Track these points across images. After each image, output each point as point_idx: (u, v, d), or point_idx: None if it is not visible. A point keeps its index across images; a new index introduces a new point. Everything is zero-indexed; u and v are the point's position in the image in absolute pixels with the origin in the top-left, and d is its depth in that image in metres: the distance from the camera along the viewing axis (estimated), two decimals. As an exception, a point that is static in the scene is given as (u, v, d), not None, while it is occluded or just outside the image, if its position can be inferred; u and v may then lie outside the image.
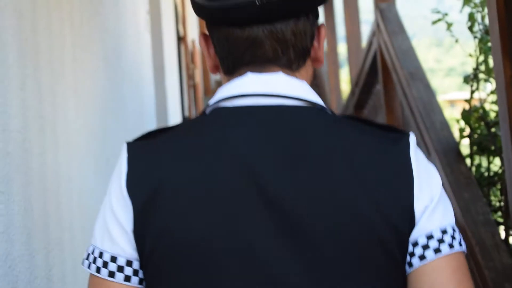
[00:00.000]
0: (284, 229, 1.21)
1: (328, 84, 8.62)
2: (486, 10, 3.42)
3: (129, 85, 3.75)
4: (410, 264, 1.26)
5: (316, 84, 2.10)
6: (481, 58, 3.41)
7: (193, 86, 9.63)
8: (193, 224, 1.22)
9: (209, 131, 1.28)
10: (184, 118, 6.86)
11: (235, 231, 1.21)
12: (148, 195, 1.24)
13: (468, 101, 3.46)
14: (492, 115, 3.41)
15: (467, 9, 3.55)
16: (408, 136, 1.31)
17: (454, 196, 3.17)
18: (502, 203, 3.27)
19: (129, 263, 1.27)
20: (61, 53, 2.52)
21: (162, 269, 1.24)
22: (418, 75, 4.14)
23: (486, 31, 3.35)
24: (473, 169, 3.46)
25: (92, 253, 1.29)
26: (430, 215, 1.26)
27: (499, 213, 3.29)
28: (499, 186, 3.36)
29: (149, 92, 4.46)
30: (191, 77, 9.28)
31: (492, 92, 3.45)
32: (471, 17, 3.50)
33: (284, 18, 1.30)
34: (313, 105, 1.31)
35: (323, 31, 1.40)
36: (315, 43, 1.40)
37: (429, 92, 3.95)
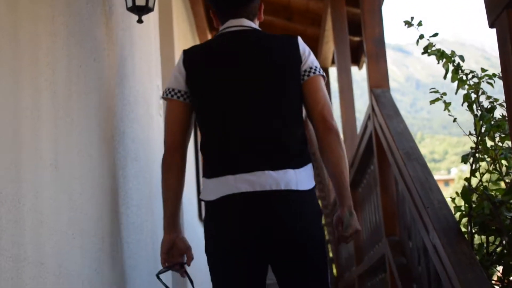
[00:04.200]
0: (247, 75, 2.55)
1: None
2: (480, 92, 2.90)
3: (133, 163, 3.22)
4: (303, 79, 2.59)
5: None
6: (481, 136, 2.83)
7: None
8: (205, 77, 2.58)
9: (216, 40, 2.66)
10: (199, 192, 6.36)
11: (225, 81, 2.55)
12: (190, 67, 2.60)
13: (468, 179, 2.84)
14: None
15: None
16: (297, 36, 2.66)
17: (457, 278, 2.57)
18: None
19: (182, 92, 2.61)
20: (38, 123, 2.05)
21: (195, 94, 2.58)
22: (414, 155, 3.60)
23: (487, 109, 2.77)
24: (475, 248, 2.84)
25: (166, 90, 2.61)
26: (307, 60, 2.60)
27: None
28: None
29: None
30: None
31: (488, 171, 2.84)
32: (467, 98, 2.93)
33: (248, 3, 2.67)
34: (255, 28, 2.67)
35: (262, 5, 2.75)
36: (259, 11, 2.75)
37: (426, 172, 3.40)
